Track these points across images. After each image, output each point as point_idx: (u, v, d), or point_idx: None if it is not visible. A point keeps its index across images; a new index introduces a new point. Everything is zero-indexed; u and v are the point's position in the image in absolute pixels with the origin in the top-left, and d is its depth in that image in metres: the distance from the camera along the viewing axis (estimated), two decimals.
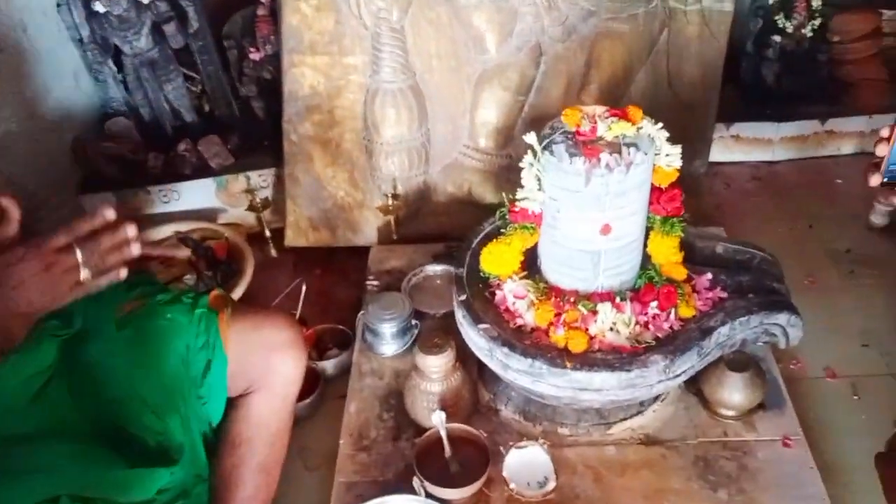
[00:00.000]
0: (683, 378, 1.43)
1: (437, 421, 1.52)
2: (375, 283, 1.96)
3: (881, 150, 1.00)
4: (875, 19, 2.37)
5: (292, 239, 2.17)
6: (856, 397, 1.75)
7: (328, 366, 1.83)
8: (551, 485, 1.49)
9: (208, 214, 2.24)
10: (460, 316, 1.52)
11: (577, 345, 1.38)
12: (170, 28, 2.13)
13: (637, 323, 1.41)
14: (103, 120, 2.25)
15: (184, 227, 2.10)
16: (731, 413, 1.59)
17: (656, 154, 1.41)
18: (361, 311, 1.81)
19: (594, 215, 1.38)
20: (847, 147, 2.45)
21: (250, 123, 2.32)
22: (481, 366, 1.59)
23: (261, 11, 2.19)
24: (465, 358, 1.57)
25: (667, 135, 1.42)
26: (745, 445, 1.56)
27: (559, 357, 1.38)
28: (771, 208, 2.32)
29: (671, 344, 1.39)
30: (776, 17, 2.34)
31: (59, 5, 2.08)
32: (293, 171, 2.14)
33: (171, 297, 1.32)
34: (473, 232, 1.68)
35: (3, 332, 0.97)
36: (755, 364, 1.57)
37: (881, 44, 2.40)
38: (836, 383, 1.78)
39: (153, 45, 2.14)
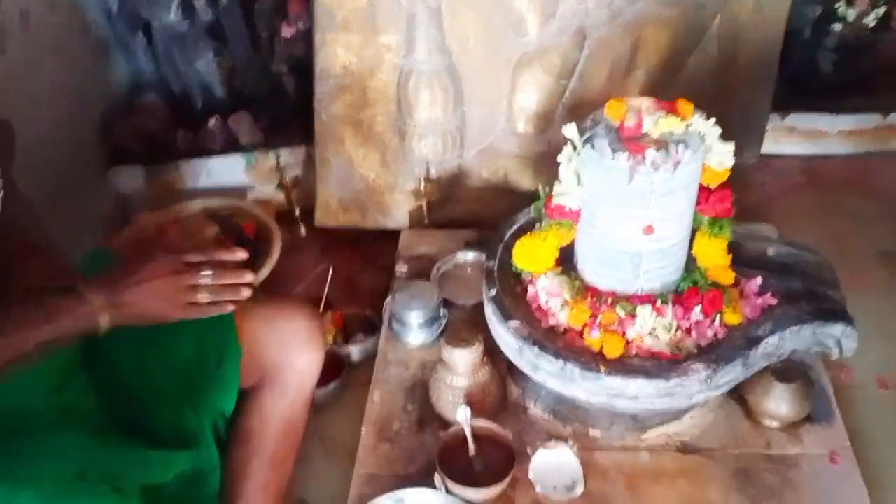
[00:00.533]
0: (726, 389, 1.34)
1: (461, 417, 1.46)
2: (404, 269, 1.90)
3: None
4: None
5: (322, 219, 2.12)
6: None
7: (353, 351, 1.78)
8: (579, 490, 1.43)
9: (237, 192, 2.20)
10: (490, 312, 1.45)
11: (613, 349, 1.30)
12: (199, 2, 2.08)
13: (679, 328, 1.33)
14: (133, 95, 2.22)
15: (212, 203, 2.06)
16: (775, 424, 1.50)
17: (706, 152, 1.32)
18: (388, 299, 1.75)
19: (637, 214, 1.30)
20: None
21: (281, 101, 2.27)
22: (511, 360, 1.52)
23: None
24: (495, 352, 1.50)
25: (719, 131, 1.33)
26: (789, 459, 1.47)
27: (593, 361, 1.31)
28: (822, 205, 2.20)
29: (714, 352, 1.31)
30: (836, 5, 2.21)
31: None
32: (324, 152, 2.08)
33: None
34: (507, 222, 1.60)
35: (105, 315, 1.02)
36: (804, 374, 1.48)
37: None
38: (887, 394, 1.68)
39: (182, 18, 2.10)
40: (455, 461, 1.46)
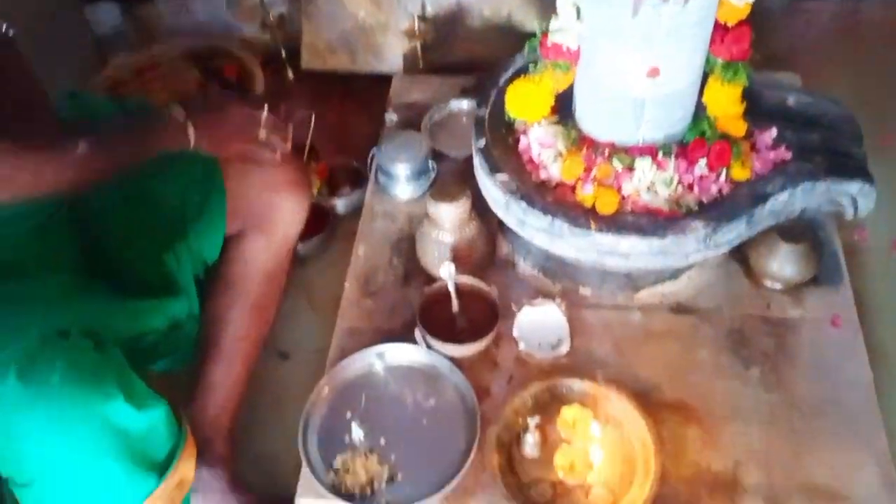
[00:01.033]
0: (726, 248, 1.25)
1: (445, 273, 1.39)
2: (394, 117, 1.77)
3: None
4: None
5: (308, 62, 1.97)
6: None
7: (339, 204, 1.70)
8: (564, 348, 1.38)
9: (220, 31, 2.04)
10: (477, 163, 1.34)
11: (607, 205, 1.20)
12: None
13: (680, 183, 1.21)
14: None
15: (192, 45, 1.92)
16: (778, 286, 1.42)
17: None
18: (375, 149, 1.64)
19: (641, 54, 1.15)
20: None
21: None
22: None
23: None
24: (485, 207, 1.41)
25: None
26: (788, 321, 1.40)
27: (583, 217, 1.21)
28: (853, 56, 2.00)
29: (716, 209, 1.20)
30: None
31: None
32: None
33: None
34: (503, 65, 1.46)
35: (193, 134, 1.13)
36: (813, 234, 1.38)
37: None
38: None
39: None
40: (438, 317, 1.41)
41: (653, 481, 1.19)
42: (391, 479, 1.26)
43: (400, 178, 1.60)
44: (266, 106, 1.30)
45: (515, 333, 1.39)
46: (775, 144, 1.26)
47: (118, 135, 1.10)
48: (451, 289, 1.40)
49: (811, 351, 1.36)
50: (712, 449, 1.27)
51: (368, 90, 1.94)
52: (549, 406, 1.30)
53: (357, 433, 1.30)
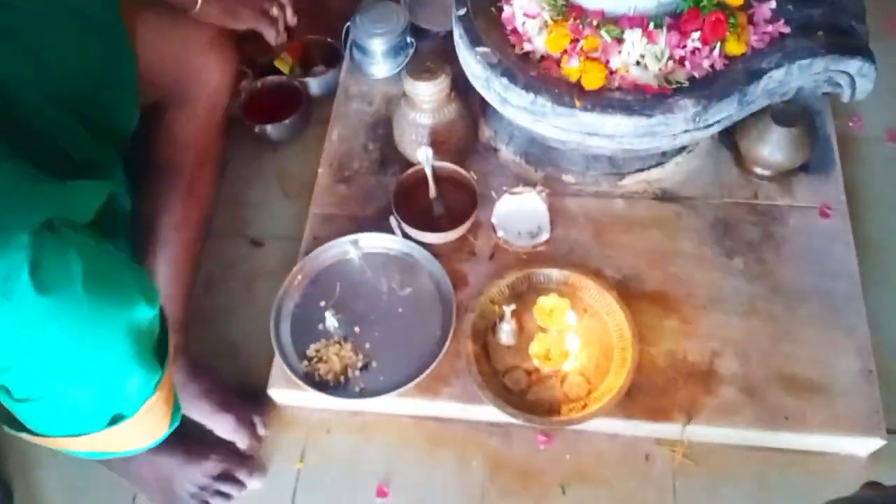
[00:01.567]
0: (716, 129, 1.18)
1: (422, 157, 1.33)
2: None
3: None
4: None
5: None
6: None
7: (313, 84, 1.60)
8: (544, 236, 1.33)
9: None
10: (458, 35, 1.25)
11: (593, 80, 1.12)
12: None
13: (671, 58, 1.13)
14: None
15: None
16: (767, 173, 1.37)
17: None
18: (349, 23, 1.53)
19: None
20: None
21: None
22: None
23: None
24: (468, 88, 1.32)
25: None
26: (775, 210, 1.36)
27: (568, 94, 1.13)
28: None
29: (708, 87, 1.13)
30: None
31: None
32: None
33: None
34: None
35: None
36: (808, 117, 1.31)
37: None
38: None
39: None
40: (414, 204, 1.36)
41: (629, 370, 1.17)
42: (365, 367, 1.25)
43: (376, 55, 1.50)
44: None
45: (494, 220, 1.34)
46: (774, 17, 1.18)
47: None
48: (429, 174, 1.34)
49: (797, 240, 1.33)
50: (690, 339, 1.25)
51: None
52: (526, 295, 1.27)
53: (331, 321, 1.27)
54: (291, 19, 1.35)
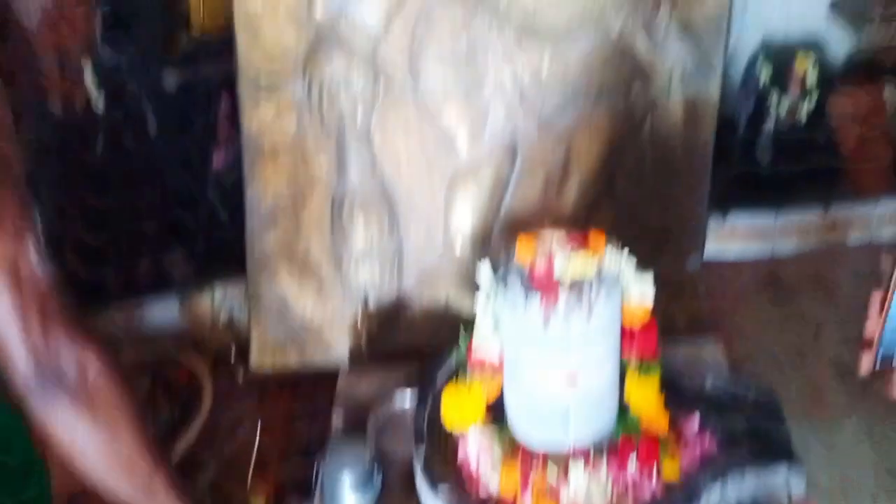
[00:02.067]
0: None
1: None
2: (340, 421, 1.76)
3: (871, 328, 0.85)
4: (875, 97, 2.22)
5: (257, 362, 2.02)
6: None
7: None
8: None
9: (171, 333, 2.12)
10: (419, 478, 1.36)
11: None
12: (127, 136, 2.04)
13: (616, 486, 1.23)
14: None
15: (142, 352, 1.98)
16: None
17: (625, 290, 1.26)
18: (318, 458, 1.65)
19: (558, 362, 1.23)
20: (854, 236, 2.28)
21: (215, 232, 2.21)
22: None
23: (222, 113, 2.09)
24: None
25: (634, 264, 1.28)
26: None
27: None
28: (773, 311, 2.14)
29: None
30: (768, 97, 2.20)
31: None
32: (257, 289, 2.00)
33: None
34: (435, 363, 1.53)
35: None
36: None
37: (884, 123, 2.25)
38: None
39: (109, 154, 2.05)
40: None
41: None
42: None
43: (345, 490, 1.59)
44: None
45: None
46: (701, 432, 1.31)
47: None
48: None
49: None
50: None
51: (316, 385, 1.98)
52: None
53: None
54: None
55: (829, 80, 2.21)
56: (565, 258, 1.25)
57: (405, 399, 1.79)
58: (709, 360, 1.56)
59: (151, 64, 2.02)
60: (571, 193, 2.03)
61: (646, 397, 1.28)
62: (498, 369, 1.31)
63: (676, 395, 1.35)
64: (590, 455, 1.25)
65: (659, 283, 1.33)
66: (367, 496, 1.59)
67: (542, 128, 1.96)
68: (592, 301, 1.19)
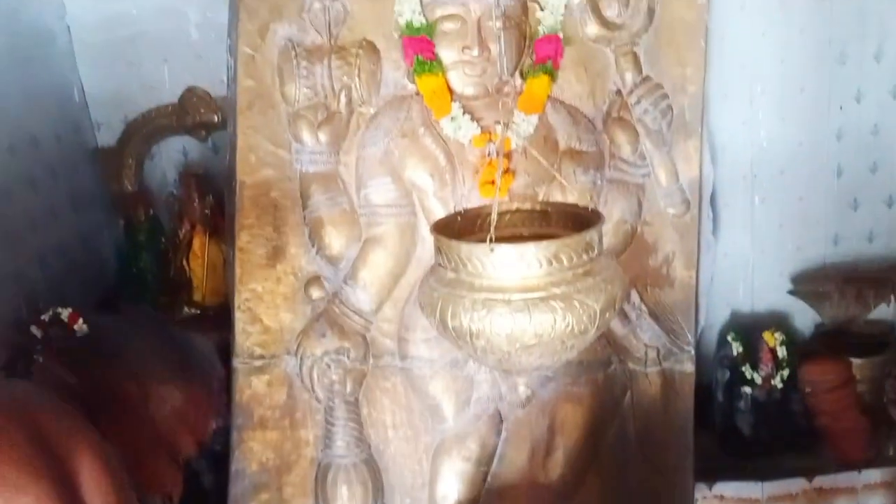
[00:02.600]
0: None
1: None
2: None
3: None
4: (845, 368, 2.30)
5: None
6: None
7: None
8: None
9: None
10: None
11: None
12: None
13: None
14: None
15: None
16: None
17: None
18: None
19: None
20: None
21: (199, 498, 2.17)
22: None
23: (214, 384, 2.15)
24: None
25: None
26: None
27: None
28: None
29: None
30: (742, 368, 2.29)
31: None
32: None
33: None
34: None
35: None
36: None
37: (856, 392, 2.32)
38: None
39: None
40: None
41: None
42: None
43: None
44: None
45: None
46: None
47: None
48: None
49: None
50: None
51: None
52: None
53: None
54: None
55: (799, 351, 2.32)
56: None
57: None
58: None
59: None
60: (558, 463, 2.04)
61: None
62: None
63: None
64: None
65: None
66: None
67: (527, 399, 2.03)
68: None
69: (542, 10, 1.91)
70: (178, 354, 1.71)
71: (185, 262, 2.29)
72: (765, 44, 2.32)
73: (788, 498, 2.25)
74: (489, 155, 1.84)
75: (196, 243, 2.28)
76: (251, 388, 1.96)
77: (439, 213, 1.88)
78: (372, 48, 1.90)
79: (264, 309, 1.93)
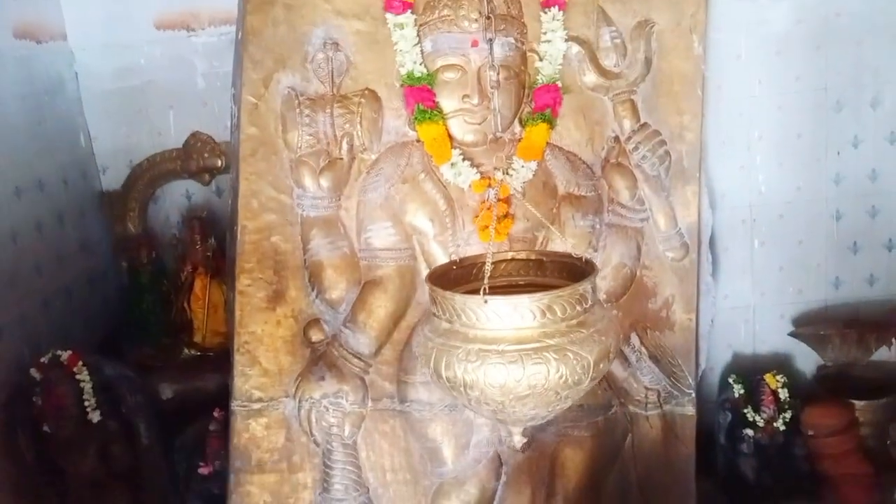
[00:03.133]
0: None
1: None
2: None
3: None
4: (848, 411, 2.30)
5: None
6: None
7: None
8: None
9: None
10: None
11: None
12: (117, 448, 2.07)
13: None
14: None
15: None
16: None
17: None
18: None
19: None
20: None
21: None
22: None
23: (213, 427, 2.15)
24: None
25: None
26: None
27: None
28: None
29: None
30: (744, 410, 2.28)
31: None
32: None
33: None
34: None
35: None
36: None
37: (858, 436, 2.30)
38: None
39: (98, 464, 2.07)
40: None
41: None
42: None
43: None
44: None
45: None
46: None
47: None
48: None
49: None
50: None
51: None
52: None
53: None
54: None
55: (801, 394, 2.31)
56: None
57: None
58: None
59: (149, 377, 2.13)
60: None
61: None
62: None
63: None
64: None
65: None
66: None
67: (527, 444, 1.99)
68: None
69: (540, 59, 1.95)
70: None
71: (186, 304, 2.31)
72: (762, 91, 2.37)
73: None
74: (488, 200, 1.87)
75: (198, 285, 2.31)
76: (249, 431, 1.95)
77: (439, 256, 1.90)
78: (374, 97, 1.94)
79: (263, 352, 1.94)
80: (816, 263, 2.49)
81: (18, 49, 2.14)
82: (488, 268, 1.24)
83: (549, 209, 1.94)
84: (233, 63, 2.01)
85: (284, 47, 1.92)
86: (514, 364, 1.15)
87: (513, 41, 1.90)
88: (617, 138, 2.02)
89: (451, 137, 1.91)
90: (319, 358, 1.95)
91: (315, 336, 1.95)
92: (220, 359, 2.12)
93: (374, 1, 1.91)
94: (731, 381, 2.30)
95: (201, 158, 2.31)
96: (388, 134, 1.96)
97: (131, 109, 2.35)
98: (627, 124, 2.00)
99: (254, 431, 1.96)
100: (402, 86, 1.92)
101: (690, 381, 2.09)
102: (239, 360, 1.95)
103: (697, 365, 2.16)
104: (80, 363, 1.94)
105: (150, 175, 2.37)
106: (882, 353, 2.45)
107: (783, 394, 2.27)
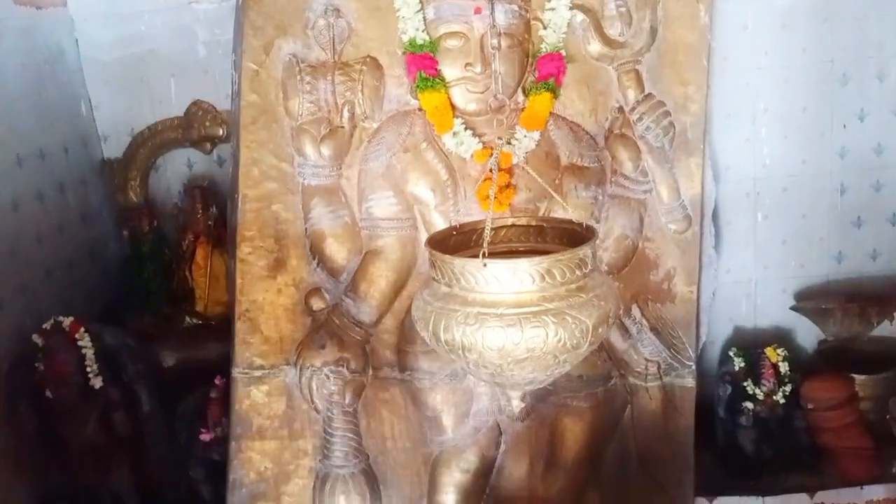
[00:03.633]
0: None
1: None
2: None
3: None
4: (848, 385, 2.29)
5: None
6: None
7: None
8: None
9: None
10: None
11: None
12: (118, 416, 2.08)
13: None
14: None
15: None
16: None
17: None
18: None
19: None
20: None
21: None
22: None
23: (214, 394, 2.15)
24: None
25: None
26: None
27: None
28: None
29: None
30: (744, 383, 2.28)
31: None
32: None
33: None
34: None
35: None
36: None
37: (858, 410, 2.30)
38: None
39: (100, 431, 2.08)
40: None
41: None
42: None
43: None
44: None
45: None
46: None
47: None
48: None
49: None
50: None
51: None
52: None
53: None
54: None
55: (802, 368, 2.31)
56: None
57: None
58: None
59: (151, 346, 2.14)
60: (557, 477, 2.04)
61: None
62: None
63: None
64: None
65: None
66: None
67: (526, 413, 2.01)
68: None
69: (544, 28, 1.93)
70: None
71: (188, 273, 2.32)
72: (768, 63, 2.34)
73: None
74: (490, 170, 1.86)
75: (199, 254, 2.31)
76: (250, 398, 1.97)
77: (441, 226, 1.89)
78: (375, 64, 1.93)
79: (264, 319, 1.95)
80: (819, 237, 2.47)
81: (19, 18, 2.13)
82: (488, 231, 1.24)
83: (552, 180, 1.93)
84: (233, 30, 1.99)
85: (285, 14, 1.91)
86: (513, 327, 1.16)
87: (516, 9, 1.88)
88: (621, 109, 2.00)
89: (453, 106, 1.90)
90: (320, 326, 1.96)
91: (316, 304, 1.96)
92: (222, 328, 2.13)
93: None
94: (731, 354, 2.30)
95: (203, 127, 2.30)
96: (390, 102, 1.95)
97: (132, 78, 2.34)
98: (632, 94, 1.99)
99: (255, 398, 1.97)
100: (403, 53, 1.90)
101: (691, 353, 2.09)
102: (240, 327, 1.96)
103: (698, 337, 2.16)
104: (82, 330, 1.95)
105: (151, 144, 2.36)
106: (883, 328, 2.45)
107: (783, 367, 2.26)
